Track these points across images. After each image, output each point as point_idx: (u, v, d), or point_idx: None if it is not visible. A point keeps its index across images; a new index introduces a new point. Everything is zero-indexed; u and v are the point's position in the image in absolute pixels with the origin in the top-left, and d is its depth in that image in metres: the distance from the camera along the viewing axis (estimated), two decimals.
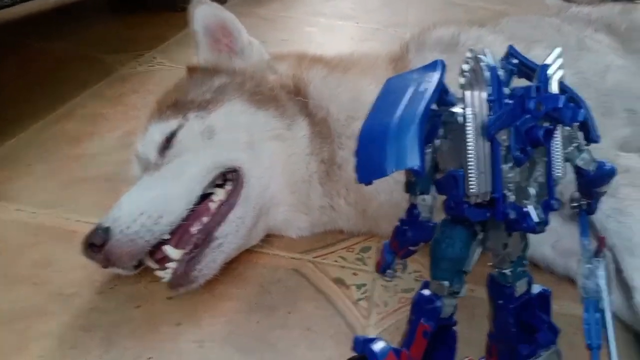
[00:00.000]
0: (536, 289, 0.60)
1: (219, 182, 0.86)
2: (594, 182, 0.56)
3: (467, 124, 0.46)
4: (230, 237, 0.82)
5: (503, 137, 0.46)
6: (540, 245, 0.92)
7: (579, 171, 0.56)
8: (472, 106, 0.46)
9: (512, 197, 0.48)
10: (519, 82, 0.51)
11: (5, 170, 1.09)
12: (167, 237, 0.79)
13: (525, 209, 0.48)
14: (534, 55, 1.18)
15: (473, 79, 0.45)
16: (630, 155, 0.94)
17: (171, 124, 0.87)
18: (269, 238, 0.95)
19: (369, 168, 0.44)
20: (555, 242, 0.94)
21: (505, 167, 0.47)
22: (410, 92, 0.46)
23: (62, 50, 1.72)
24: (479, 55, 0.47)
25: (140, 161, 0.90)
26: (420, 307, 0.54)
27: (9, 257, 0.87)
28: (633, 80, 1.28)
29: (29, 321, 0.76)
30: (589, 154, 0.55)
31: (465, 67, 0.45)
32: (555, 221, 0.95)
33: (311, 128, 0.89)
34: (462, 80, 0.45)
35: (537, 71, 0.50)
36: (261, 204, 0.87)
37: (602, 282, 0.57)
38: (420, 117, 0.43)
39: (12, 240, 0.91)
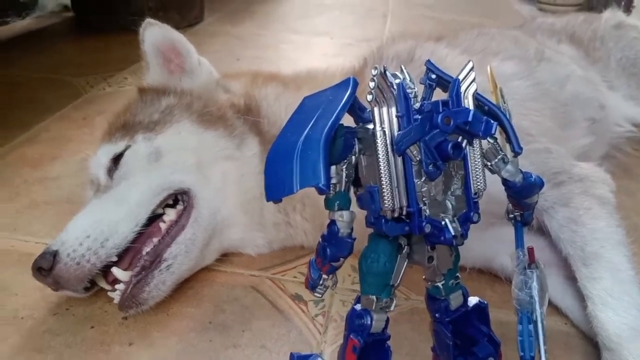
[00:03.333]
0: (472, 301, 0.60)
1: (171, 201, 0.87)
2: (521, 193, 0.57)
3: (377, 140, 0.47)
4: (179, 258, 0.82)
5: (414, 152, 0.47)
6: (499, 256, 0.93)
7: (505, 183, 0.56)
8: (381, 123, 0.47)
9: (427, 211, 0.49)
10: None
11: None
12: (114, 259, 0.79)
13: (442, 222, 0.49)
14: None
15: (380, 96, 0.46)
16: (585, 165, 0.95)
17: (119, 146, 0.88)
18: (227, 256, 0.95)
19: (277, 186, 0.44)
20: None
21: (418, 181, 0.48)
22: (319, 111, 0.47)
23: (28, 76, 1.73)
24: (385, 72, 0.48)
25: (93, 184, 0.90)
26: (352, 322, 0.54)
27: None
28: (593, 90, 1.30)
29: None
30: (513, 166, 0.55)
31: (371, 84, 0.46)
32: (511, 232, 0.96)
33: (262, 146, 0.90)
34: (369, 97, 0.46)
35: (449, 86, 0.50)
36: (213, 225, 0.87)
37: (535, 294, 0.58)
38: (324, 136, 0.44)
39: None
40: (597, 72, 1.41)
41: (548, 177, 0.88)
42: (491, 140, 0.54)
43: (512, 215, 0.62)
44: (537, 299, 0.57)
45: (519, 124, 0.97)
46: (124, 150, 0.88)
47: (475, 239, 0.91)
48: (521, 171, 0.56)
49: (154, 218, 0.85)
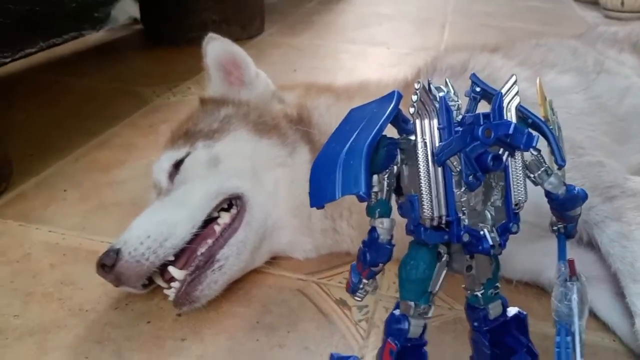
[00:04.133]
0: (512, 311, 0.61)
1: (226, 205, 0.91)
2: (564, 205, 0.57)
3: (418, 151, 0.49)
4: (231, 259, 0.86)
5: (454, 162, 0.48)
6: (547, 269, 0.91)
7: (548, 195, 0.57)
8: (422, 134, 0.49)
9: (466, 221, 0.50)
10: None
11: (41, 196, 1.19)
12: (171, 258, 0.84)
13: (480, 232, 0.50)
14: (546, 80, 1.19)
15: (422, 109, 0.48)
16: (639, 179, 0.92)
17: (180, 152, 0.93)
18: (276, 260, 0.99)
19: (320, 193, 0.47)
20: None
21: (458, 191, 0.49)
22: (363, 122, 0.49)
23: (100, 86, 1.85)
24: (426, 86, 0.50)
25: (156, 187, 0.96)
26: (390, 327, 0.56)
27: (37, 275, 0.95)
28: None
29: (48, 334, 0.83)
30: (557, 178, 0.56)
31: (414, 97, 0.48)
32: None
33: (312, 154, 0.93)
34: (411, 110, 0.48)
35: (492, 99, 0.52)
36: (264, 228, 0.91)
37: (574, 306, 0.58)
38: (367, 147, 0.46)
39: (42, 259, 0.99)
40: None
41: (600, 191, 0.87)
42: (534, 153, 0.55)
43: (555, 228, 0.62)
44: (576, 311, 0.56)
45: (572, 137, 0.97)
46: (185, 157, 0.93)
47: (523, 252, 0.92)
48: (565, 183, 0.56)
49: (210, 221, 0.90)
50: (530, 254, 0.90)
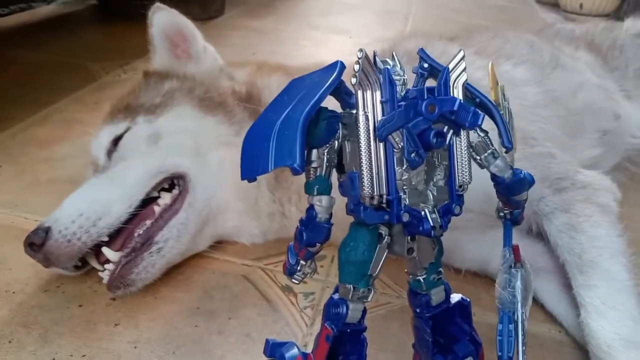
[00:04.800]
0: (455, 298, 0.59)
1: (167, 185, 0.87)
2: (510, 189, 0.56)
3: (359, 125, 0.46)
4: (170, 242, 0.82)
5: (396, 139, 0.46)
6: (496, 259, 0.91)
7: (494, 178, 0.55)
8: (364, 107, 0.46)
9: (407, 200, 0.48)
10: None
11: None
12: (105, 239, 0.79)
13: (421, 212, 0.48)
14: (501, 70, 1.18)
15: (364, 80, 0.45)
16: (590, 173, 0.92)
17: (119, 127, 0.88)
18: (221, 244, 0.95)
19: (253, 165, 0.44)
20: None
21: (399, 169, 0.47)
22: (303, 92, 0.46)
23: (47, 58, 1.76)
24: (375, 58, 0.47)
25: (93, 164, 0.91)
26: (328, 311, 0.53)
27: None
28: (608, 99, 1.27)
29: None
30: (503, 161, 0.54)
31: (356, 67, 0.45)
32: (515, 235, 0.95)
33: None
34: (353, 80, 0.45)
35: (439, 74, 0.49)
36: (207, 211, 0.87)
37: (518, 293, 0.56)
38: (303, 117, 0.43)
39: None
40: (614, 80, 1.37)
41: (550, 182, 0.86)
42: (481, 134, 0.53)
43: (502, 214, 0.60)
44: (519, 298, 0.55)
45: (525, 127, 0.96)
46: (124, 132, 0.88)
47: (472, 241, 0.91)
48: (511, 167, 0.55)
49: (149, 201, 0.85)
50: (480, 243, 0.89)
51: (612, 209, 0.84)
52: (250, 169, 0.44)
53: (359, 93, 0.46)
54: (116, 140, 0.87)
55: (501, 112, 0.58)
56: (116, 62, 1.73)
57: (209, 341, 0.76)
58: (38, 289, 0.83)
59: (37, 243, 0.77)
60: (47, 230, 0.77)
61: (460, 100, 0.47)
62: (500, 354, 0.55)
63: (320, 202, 0.48)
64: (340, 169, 0.51)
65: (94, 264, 0.82)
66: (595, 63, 1.39)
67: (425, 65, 0.53)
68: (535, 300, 0.88)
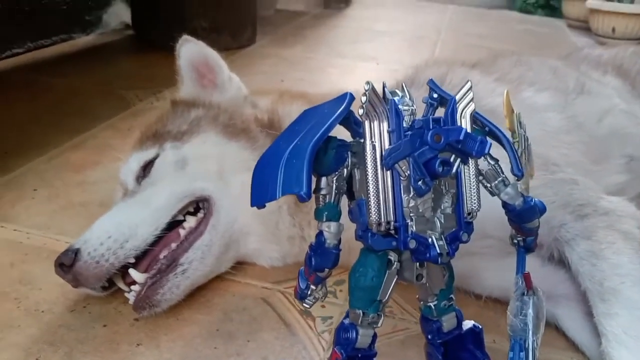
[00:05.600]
0: (467, 325, 0.59)
1: (192, 209, 0.89)
2: (521, 216, 0.56)
3: (366, 154, 0.47)
4: (195, 263, 0.84)
5: (403, 167, 0.47)
6: None
7: (505, 206, 0.56)
8: (371, 137, 0.47)
9: (414, 227, 0.49)
10: None
11: (11, 194, 1.17)
12: (132, 260, 0.82)
13: (428, 239, 0.49)
14: (523, 97, 1.18)
15: (371, 111, 0.47)
16: (613, 199, 0.91)
17: (149, 153, 0.92)
18: (242, 266, 0.97)
19: (262, 192, 0.46)
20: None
21: (406, 197, 0.48)
22: (313, 122, 0.48)
23: (82, 86, 1.84)
24: (384, 89, 0.49)
25: (122, 188, 0.95)
26: (338, 336, 0.54)
27: None
28: (636, 125, 1.25)
29: (1, 332, 0.80)
30: (513, 189, 0.55)
31: (363, 99, 0.47)
32: (533, 262, 0.93)
33: None
34: (360, 111, 0.47)
35: (446, 104, 0.51)
36: (230, 233, 0.89)
37: (529, 321, 0.56)
38: (311, 147, 0.45)
39: (3, 258, 0.97)
40: None
41: (572, 209, 0.85)
42: (491, 162, 0.54)
43: (515, 241, 0.61)
44: (530, 326, 0.55)
45: (546, 154, 0.96)
46: (154, 158, 0.92)
47: (492, 268, 0.90)
48: (522, 195, 0.55)
49: (175, 224, 0.88)
50: (499, 270, 0.89)
51: (635, 236, 0.82)
52: (260, 196, 0.46)
53: (366, 123, 0.48)
54: (145, 166, 0.91)
55: (515, 140, 0.59)
56: (149, 90, 1.79)
57: None
58: (65, 308, 0.86)
59: (66, 264, 0.80)
60: (76, 252, 0.80)
61: (466, 130, 0.49)
62: None
63: (329, 228, 0.50)
64: (351, 196, 0.52)
65: (121, 285, 0.85)
66: (624, 88, 1.38)
67: (435, 95, 0.54)
68: (557, 328, 0.86)
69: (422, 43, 2.89)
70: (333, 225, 0.50)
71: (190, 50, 0.99)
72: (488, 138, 0.52)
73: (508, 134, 0.56)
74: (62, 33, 2.22)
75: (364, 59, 2.44)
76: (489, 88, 1.07)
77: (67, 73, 1.96)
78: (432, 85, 0.54)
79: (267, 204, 0.94)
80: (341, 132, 0.51)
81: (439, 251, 0.48)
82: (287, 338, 0.83)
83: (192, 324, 0.84)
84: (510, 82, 1.14)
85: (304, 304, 0.55)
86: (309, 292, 0.54)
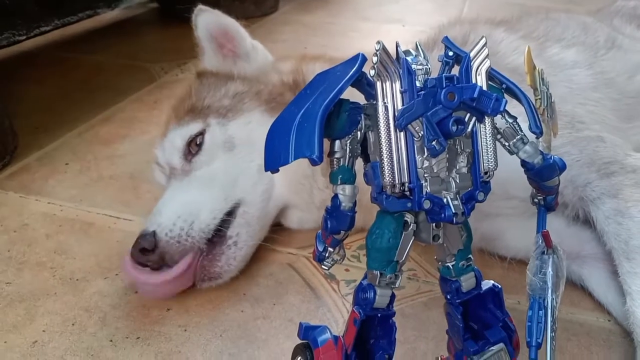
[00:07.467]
0: (486, 285, 0.59)
1: None
2: (540, 174, 0.55)
3: (379, 115, 0.47)
4: (242, 233, 0.87)
5: (416, 127, 0.47)
6: None
7: (523, 164, 0.55)
8: (383, 97, 0.47)
9: (428, 188, 0.48)
10: None
11: (45, 168, 1.21)
12: (209, 236, 0.84)
13: (443, 200, 0.49)
14: (550, 54, 1.14)
15: (382, 71, 0.46)
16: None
17: (191, 128, 0.91)
18: (269, 234, 0.98)
19: (275, 157, 0.46)
20: (558, 243, 0.91)
21: (420, 158, 0.48)
22: (324, 85, 0.48)
23: (109, 61, 1.87)
24: (397, 49, 0.49)
25: (162, 168, 0.96)
26: (357, 296, 0.55)
27: (32, 245, 0.97)
28: None
29: (38, 300, 0.84)
30: (532, 147, 0.54)
31: (374, 59, 0.46)
32: (558, 223, 0.92)
33: None
34: (371, 72, 0.47)
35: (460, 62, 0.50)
36: (267, 195, 0.91)
37: (549, 279, 0.56)
38: (322, 110, 0.44)
39: (39, 230, 1.01)
40: None
41: (598, 167, 0.84)
42: (509, 120, 0.53)
43: (535, 200, 0.60)
44: (550, 285, 0.55)
45: (572, 111, 0.93)
46: (199, 133, 0.91)
47: (516, 229, 0.90)
48: (541, 152, 0.54)
49: None
50: (524, 231, 0.88)
51: None
52: (273, 160, 0.46)
53: (378, 84, 0.47)
54: (191, 142, 0.91)
55: (537, 97, 0.58)
56: (174, 63, 1.81)
57: (253, 326, 0.80)
58: (99, 276, 0.90)
59: (148, 247, 0.80)
60: (153, 234, 0.81)
61: (481, 87, 0.48)
62: (529, 339, 0.54)
63: (344, 191, 0.50)
64: (366, 158, 0.52)
65: None
66: None
67: (450, 53, 0.53)
68: (583, 289, 0.86)
69: (449, 3, 2.80)
70: (348, 188, 0.50)
71: (207, 20, 0.99)
72: (505, 95, 0.52)
73: (530, 92, 0.55)
74: (88, 9, 2.24)
75: (389, 22, 2.39)
76: (512, 46, 1.04)
77: (93, 49, 1.99)
78: (447, 43, 0.53)
79: (297, 170, 0.95)
80: (356, 96, 0.51)
81: (454, 211, 0.48)
82: (312, 301, 0.85)
83: (220, 289, 0.87)
84: (536, 39, 1.10)
85: (323, 266, 0.56)
86: (327, 255, 0.55)
